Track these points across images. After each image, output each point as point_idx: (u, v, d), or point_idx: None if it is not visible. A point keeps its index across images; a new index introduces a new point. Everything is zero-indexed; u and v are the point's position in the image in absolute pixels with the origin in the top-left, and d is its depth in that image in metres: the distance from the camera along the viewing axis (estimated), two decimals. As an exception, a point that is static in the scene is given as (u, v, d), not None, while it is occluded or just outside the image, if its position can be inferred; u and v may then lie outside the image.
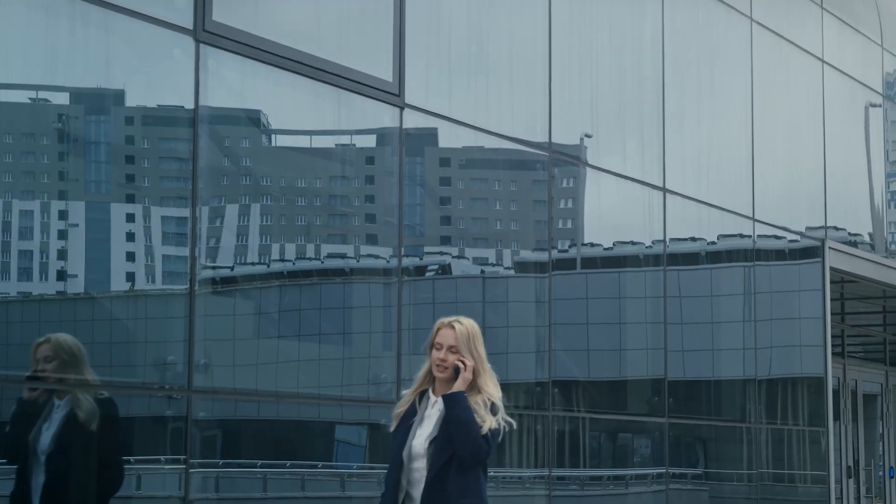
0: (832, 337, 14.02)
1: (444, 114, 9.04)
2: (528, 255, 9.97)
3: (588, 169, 10.53)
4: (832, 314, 13.83)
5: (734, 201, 12.34)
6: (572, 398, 10.22)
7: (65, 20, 6.68)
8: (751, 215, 12.54)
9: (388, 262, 8.56)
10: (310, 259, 8.13)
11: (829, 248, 13.67)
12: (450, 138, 9.28)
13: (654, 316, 11.14)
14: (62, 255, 6.69)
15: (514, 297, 9.87)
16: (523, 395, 9.76)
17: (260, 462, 7.72)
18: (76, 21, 6.71)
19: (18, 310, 6.58)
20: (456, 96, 9.21)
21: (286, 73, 7.82)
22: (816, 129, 13.89)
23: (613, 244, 10.97)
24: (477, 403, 5.89)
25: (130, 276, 7.04)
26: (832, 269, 13.73)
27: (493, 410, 5.91)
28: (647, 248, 11.19)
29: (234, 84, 7.62)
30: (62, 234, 6.68)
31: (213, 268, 7.43)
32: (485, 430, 5.84)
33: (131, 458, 6.90)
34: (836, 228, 14.11)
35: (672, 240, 11.42)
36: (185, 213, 7.19)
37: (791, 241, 13.28)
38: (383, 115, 8.54)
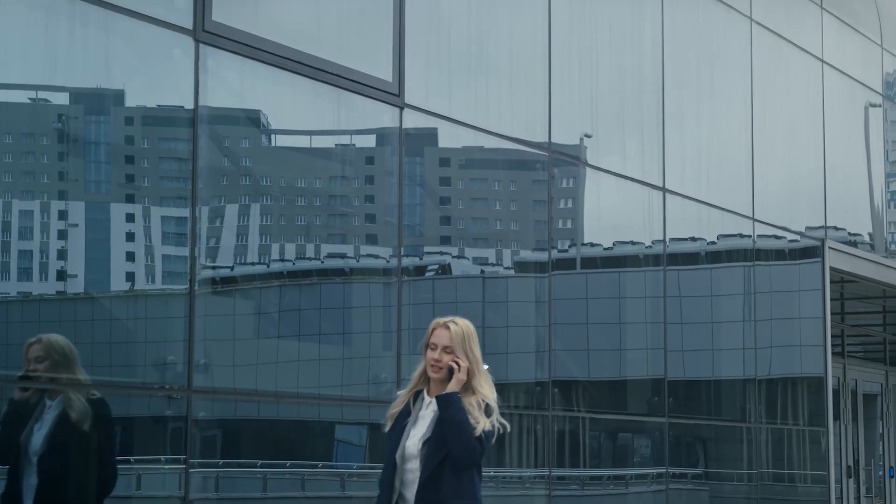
0: (832, 337, 14.03)
1: (444, 114, 9.04)
2: (527, 254, 9.97)
3: (588, 169, 10.53)
4: (832, 314, 13.83)
5: (734, 201, 12.34)
6: (572, 398, 10.23)
7: (64, 20, 6.68)
8: (751, 215, 12.54)
9: (388, 262, 8.56)
10: (310, 259, 8.13)
11: (829, 248, 13.67)
12: (450, 138, 9.28)
13: (654, 316, 11.14)
14: (62, 255, 6.69)
15: (513, 297, 9.87)
16: (523, 394, 9.76)
17: (260, 462, 7.72)
18: (76, 21, 6.71)
19: (18, 310, 6.58)
20: (456, 96, 9.21)
21: (286, 73, 7.82)
22: (816, 129, 13.90)
23: (613, 244, 10.97)
24: (471, 404, 5.83)
25: (130, 276, 7.04)
26: (832, 268, 13.73)
27: (488, 412, 5.86)
28: (646, 248, 11.19)
29: (233, 84, 7.62)
30: (62, 234, 6.68)
31: (213, 268, 7.43)
32: (478, 431, 5.79)
33: (131, 458, 6.90)
34: (835, 228, 14.11)
35: (672, 240, 11.42)
36: (185, 213, 7.19)
37: (791, 240, 13.28)
38: (383, 115, 8.54)
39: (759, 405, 12.56)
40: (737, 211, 12.36)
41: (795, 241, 13.35)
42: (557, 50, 10.10)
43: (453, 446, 5.78)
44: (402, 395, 6.07)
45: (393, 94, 8.55)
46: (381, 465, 6.04)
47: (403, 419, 5.97)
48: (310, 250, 8.13)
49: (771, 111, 13.03)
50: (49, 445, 6.25)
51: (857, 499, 18.49)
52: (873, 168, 15.28)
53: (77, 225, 6.77)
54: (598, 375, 10.63)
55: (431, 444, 5.83)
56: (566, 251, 10.36)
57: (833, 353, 14.13)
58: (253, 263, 7.75)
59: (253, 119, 7.85)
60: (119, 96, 7.02)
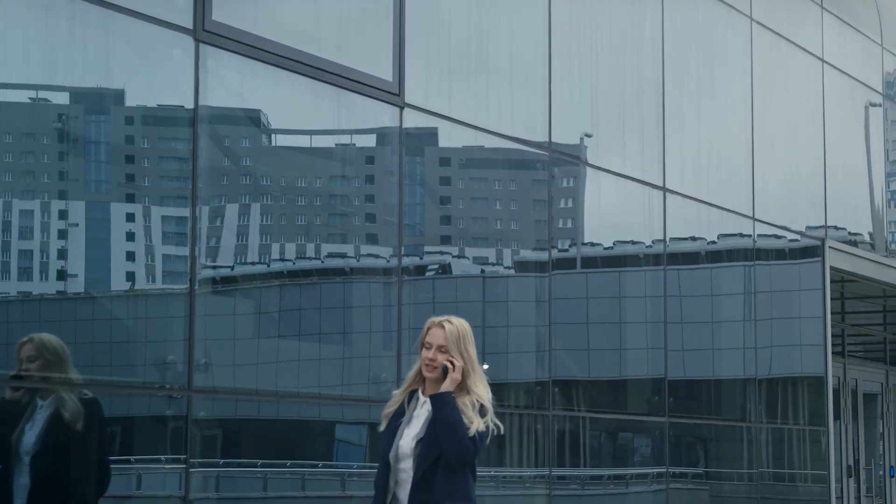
0: (832, 336, 14.03)
1: (444, 113, 9.04)
2: (528, 254, 9.97)
3: (588, 168, 10.54)
4: (832, 313, 13.83)
5: (734, 201, 12.34)
6: (572, 398, 10.23)
7: (64, 20, 6.68)
8: (751, 215, 12.54)
9: (388, 261, 8.56)
10: (310, 259, 8.13)
11: (829, 247, 13.67)
12: (450, 138, 9.28)
13: (655, 315, 11.14)
14: (62, 254, 6.69)
15: (514, 296, 9.87)
16: (523, 394, 9.76)
17: (260, 461, 7.72)
18: (76, 21, 6.72)
19: (18, 310, 6.58)
20: (456, 96, 9.21)
21: (286, 73, 7.82)
22: (816, 128, 13.90)
23: (613, 244, 10.97)
24: (465, 404, 5.79)
25: (130, 276, 7.04)
26: (832, 268, 13.73)
27: (482, 412, 5.82)
28: (647, 247, 11.19)
29: (233, 84, 7.62)
30: (62, 234, 6.68)
31: (214, 267, 7.43)
32: (472, 431, 5.75)
33: (131, 458, 6.90)
34: (836, 228, 14.11)
35: (672, 239, 11.42)
36: (185, 212, 7.19)
37: (791, 240, 13.28)
38: (383, 115, 8.54)
39: (760, 405, 12.56)
40: (737, 210, 12.36)
41: (796, 240, 13.35)
42: (557, 50, 10.11)
43: (446, 446, 5.74)
44: (397, 394, 6.03)
45: (393, 94, 8.55)
46: (380, 464, 6.04)
47: (398, 418, 5.93)
48: (310, 250, 8.13)
49: (771, 111, 13.03)
50: (41, 445, 6.23)
51: (858, 498, 18.49)
52: (873, 167, 15.28)
53: (77, 224, 6.77)
54: (598, 375, 10.63)
55: (425, 444, 5.79)
56: (566, 251, 10.37)
57: (833, 353, 14.13)
58: (253, 263, 7.76)
59: (253, 119, 7.85)
60: (119, 96, 7.03)
